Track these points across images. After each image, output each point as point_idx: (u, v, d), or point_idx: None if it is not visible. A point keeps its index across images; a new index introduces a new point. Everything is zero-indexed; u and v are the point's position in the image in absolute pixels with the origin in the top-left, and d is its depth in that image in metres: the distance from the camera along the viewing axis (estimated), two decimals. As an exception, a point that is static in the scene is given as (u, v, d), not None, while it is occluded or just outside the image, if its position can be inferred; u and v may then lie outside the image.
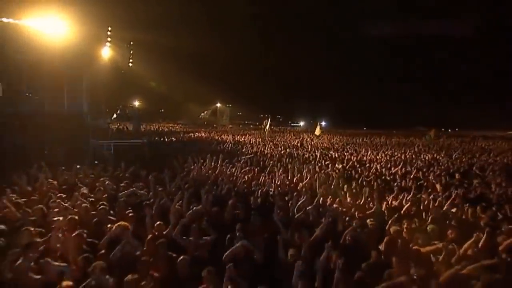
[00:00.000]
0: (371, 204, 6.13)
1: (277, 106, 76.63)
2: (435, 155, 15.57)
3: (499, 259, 3.95)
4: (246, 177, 8.13)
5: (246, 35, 72.71)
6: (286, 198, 6.48)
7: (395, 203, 6.38)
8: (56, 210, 5.14)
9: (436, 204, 6.05)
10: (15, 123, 12.93)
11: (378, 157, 14.00)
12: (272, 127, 34.54)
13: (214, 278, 3.21)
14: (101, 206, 5.13)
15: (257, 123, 50.10)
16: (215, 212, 5.41)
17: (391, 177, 9.63)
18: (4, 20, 13.09)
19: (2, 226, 4.39)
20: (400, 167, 10.78)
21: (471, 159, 14.39)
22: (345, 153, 15.13)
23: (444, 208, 5.93)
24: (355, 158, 13.34)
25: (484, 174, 10.75)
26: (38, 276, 3.15)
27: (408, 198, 6.40)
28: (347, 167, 11.00)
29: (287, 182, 7.98)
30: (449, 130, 56.68)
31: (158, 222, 4.69)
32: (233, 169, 8.98)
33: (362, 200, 6.28)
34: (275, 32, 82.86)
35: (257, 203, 6.07)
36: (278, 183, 7.72)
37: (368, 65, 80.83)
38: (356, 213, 5.68)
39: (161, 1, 56.99)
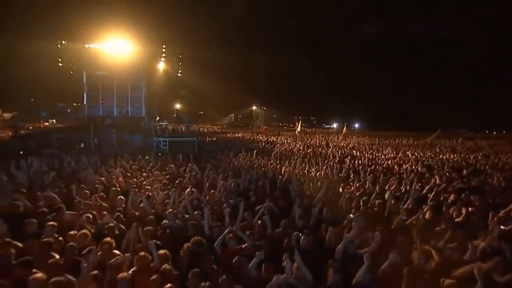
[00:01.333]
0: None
1: (311, 107, 77.75)
2: (454, 155, 16.41)
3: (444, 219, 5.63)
4: (273, 166, 10.34)
5: (282, 39, 74.98)
6: (303, 180, 8.56)
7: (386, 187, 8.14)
8: (144, 182, 7.83)
9: (416, 187, 7.69)
10: (92, 124, 16.44)
11: (398, 156, 15.31)
12: (304, 129, 36.19)
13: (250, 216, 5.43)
14: (177, 181, 7.71)
15: (291, 125, 51.96)
16: (250, 187, 7.69)
17: (401, 172, 11.14)
18: (86, 45, 16.90)
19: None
20: (410, 163, 12.15)
21: (492, 160, 15.02)
22: (365, 152, 16.52)
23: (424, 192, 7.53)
24: (371, 156, 14.85)
25: (492, 172, 11.70)
26: (153, 210, 5.65)
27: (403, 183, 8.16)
28: (363, 162, 12.64)
29: (307, 171, 10.01)
30: (494, 133, 53.97)
31: (212, 191, 7.09)
32: (265, 161, 11.22)
33: (365, 185, 8.16)
34: (311, 35, 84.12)
35: (281, 183, 8.22)
36: (299, 171, 9.80)
37: (407, 66, 78.62)
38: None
39: (202, 19, 62.44)
